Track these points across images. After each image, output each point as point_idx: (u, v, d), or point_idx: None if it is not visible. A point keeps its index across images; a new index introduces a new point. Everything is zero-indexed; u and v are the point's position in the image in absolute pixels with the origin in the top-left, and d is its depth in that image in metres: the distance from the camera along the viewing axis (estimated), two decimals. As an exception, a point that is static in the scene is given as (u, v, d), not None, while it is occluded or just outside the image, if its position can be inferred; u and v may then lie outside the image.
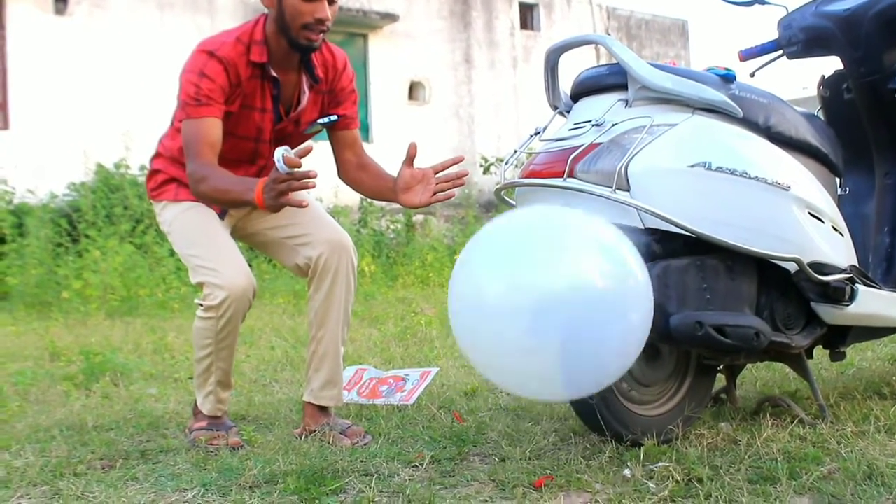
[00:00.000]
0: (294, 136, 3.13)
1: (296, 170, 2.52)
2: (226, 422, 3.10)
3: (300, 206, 2.64)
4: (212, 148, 2.85)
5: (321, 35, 2.90)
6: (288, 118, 3.07)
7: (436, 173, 2.93)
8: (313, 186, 2.59)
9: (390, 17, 14.45)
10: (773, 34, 3.52)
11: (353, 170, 3.19)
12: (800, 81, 12.05)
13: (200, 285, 2.94)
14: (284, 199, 2.57)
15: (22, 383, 4.32)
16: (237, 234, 3.20)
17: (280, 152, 2.52)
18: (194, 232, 3.02)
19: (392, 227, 12.14)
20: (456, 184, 2.93)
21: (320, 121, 3.11)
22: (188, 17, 12.99)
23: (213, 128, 2.86)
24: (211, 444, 2.94)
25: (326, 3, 2.85)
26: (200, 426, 3.06)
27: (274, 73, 2.96)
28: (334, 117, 3.11)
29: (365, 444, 2.94)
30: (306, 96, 3.06)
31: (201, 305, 2.92)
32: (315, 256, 3.05)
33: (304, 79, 3.04)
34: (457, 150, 15.30)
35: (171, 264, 9.12)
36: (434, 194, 2.92)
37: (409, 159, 2.91)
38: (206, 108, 2.85)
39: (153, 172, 3.16)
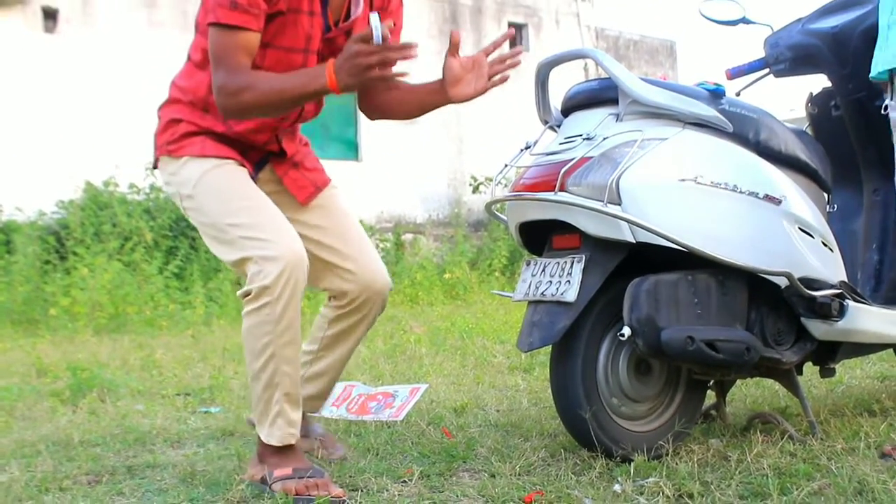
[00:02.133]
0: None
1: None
2: (312, 465, 2.54)
3: (395, 78, 2.36)
4: (249, 57, 2.42)
5: None
6: (338, 28, 2.60)
7: (487, 56, 2.58)
8: (414, 56, 2.29)
9: (380, 37, 14.42)
10: (760, 54, 3.53)
11: (381, 93, 2.74)
12: (786, 103, 12.09)
13: (243, 264, 2.45)
14: (372, 74, 2.27)
15: (7, 399, 4.30)
16: None
17: (376, 17, 2.23)
18: (230, 194, 2.52)
19: (381, 245, 12.13)
20: (512, 63, 2.56)
21: (374, 26, 2.28)
22: (178, 35, 12.96)
23: (250, 39, 2.41)
24: (309, 495, 2.39)
25: None
26: (284, 474, 2.45)
27: None
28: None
29: (340, 457, 2.86)
30: (360, 6, 2.59)
31: (248, 294, 2.41)
32: (352, 296, 2.79)
33: (374, 9, 2.61)
34: (446, 168, 15.32)
35: (159, 282, 9.12)
36: (489, 79, 2.58)
37: (454, 47, 2.52)
38: (243, 16, 2.38)
39: (170, 123, 2.65)
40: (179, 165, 2.59)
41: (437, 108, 2.68)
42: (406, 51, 2.29)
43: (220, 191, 2.53)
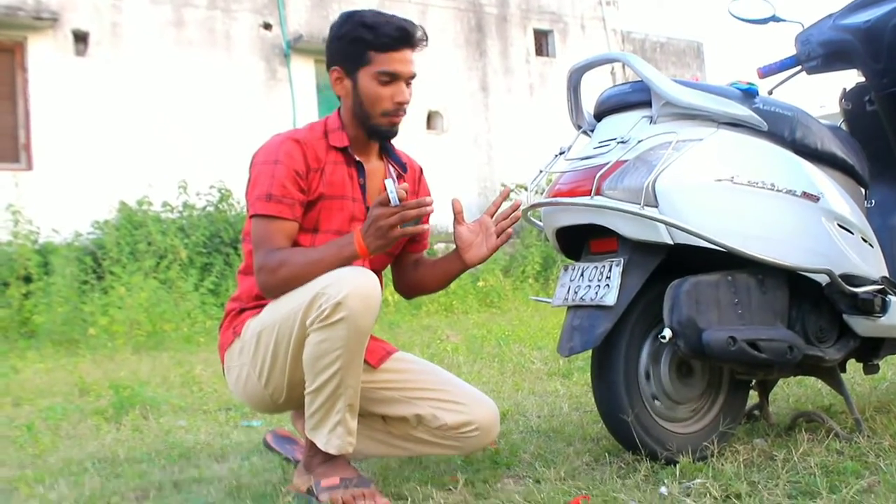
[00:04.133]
0: None
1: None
2: (359, 474, 2.55)
3: (417, 232, 2.50)
4: (287, 241, 2.55)
5: (402, 118, 2.67)
6: None
7: (490, 216, 2.76)
8: (431, 212, 2.43)
9: (406, 48, 14.46)
10: (790, 51, 3.51)
11: (410, 272, 2.91)
12: (817, 100, 12.00)
13: (312, 305, 2.39)
14: (395, 234, 2.40)
15: (53, 418, 4.34)
16: None
17: (391, 182, 2.37)
18: (283, 304, 2.52)
19: (414, 255, 12.12)
20: (514, 218, 2.74)
21: (389, 190, 2.41)
22: (206, 53, 13.09)
23: (286, 227, 2.55)
24: None
25: (405, 85, 2.61)
26: (332, 484, 2.46)
27: (358, 158, 2.70)
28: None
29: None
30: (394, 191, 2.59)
31: (320, 316, 2.37)
32: (470, 426, 2.70)
33: (389, 168, 2.80)
34: (476, 177, 15.32)
35: (195, 299, 9.19)
36: (497, 237, 2.73)
37: (458, 216, 2.72)
38: (278, 206, 2.53)
39: (231, 318, 2.74)
40: (243, 331, 2.63)
41: (459, 274, 2.84)
42: (423, 207, 2.40)
43: (273, 308, 2.56)
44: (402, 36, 2.58)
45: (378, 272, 2.73)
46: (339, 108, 2.72)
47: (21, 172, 11.52)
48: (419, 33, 2.61)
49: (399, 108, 2.62)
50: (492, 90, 16.06)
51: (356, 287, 2.36)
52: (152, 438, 3.82)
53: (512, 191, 13.99)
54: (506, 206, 2.83)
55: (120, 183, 11.46)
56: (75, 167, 11.68)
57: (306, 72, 13.98)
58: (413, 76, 2.62)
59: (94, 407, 4.68)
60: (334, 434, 2.46)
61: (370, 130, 2.66)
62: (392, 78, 2.58)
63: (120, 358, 7.21)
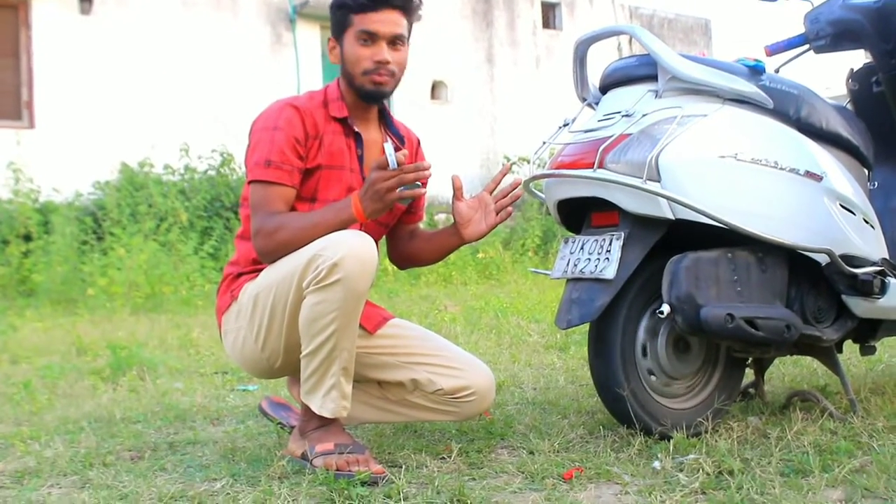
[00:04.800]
0: None
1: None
2: (354, 440, 2.55)
3: (415, 196, 2.49)
4: (285, 206, 2.57)
5: (387, 78, 2.62)
6: None
7: (490, 193, 2.76)
8: (429, 176, 2.43)
9: (413, 17, 14.40)
10: (797, 30, 3.49)
11: (405, 243, 2.93)
12: (823, 81, 11.95)
13: (309, 266, 2.39)
14: (392, 196, 2.41)
15: (50, 377, 4.36)
16: None
17: (390, 145, 2.39)
18: (279, 267, 2.53)
19: (414, 225, 12.13)
20: (514, 196, 2.74)
21: (388, 153, 2.43)
22: (212, 15, 13.03)
23: (285, 193, 2.56)
24: (350, 471, 2.39)
25: (385, 45, 2.59)
26: (326, 449, 2.47)
27: (356, 129, 2.70)
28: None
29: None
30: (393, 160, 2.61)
31: (316, 278, 2.36)
32: (468, 390, 2.71)
33: (387, 139, 2.78)
34: (479, 149, 15.30)
35: (194, 262, 9.20)
36: (497, 214, 2.74)
37: (458, 192, 2.72)
38: (276, 171, 2.55)
39: (225, 279, 2.76)
40: (240, 295, 2.64)
41: (456, 249, 2.85)
42: (421, 171, 2.41)
43: (271, 271, 2.56)
44: None
45: (375, 243, 2.71)
46: (337, 78, 2.73)
47: (23, 130, 11.50)
48: None
49: (379, 67, 2.60)
50: (497, 62, 16.01)
51: (352, 249, 2.35)
52: (148, 399, 3.83)
53: (514, 164, 13.96)
54: (507, 181, 2.83)
55: (122, 144, 11.45)
56: (77, 127, 11.65)
57: (312, 37, 13.93)
58: (396, 36, 2.61)
59: (91, 367, 4.70)
60: (329, 398, 2.46)
61: (358, 92, 2.66)
62: (370, 37, 2.59)
63: (118, 319, 7.23)
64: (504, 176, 2.78)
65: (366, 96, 2.66)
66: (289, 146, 2.56)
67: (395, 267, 3.07)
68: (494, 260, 11.28)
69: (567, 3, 17.08)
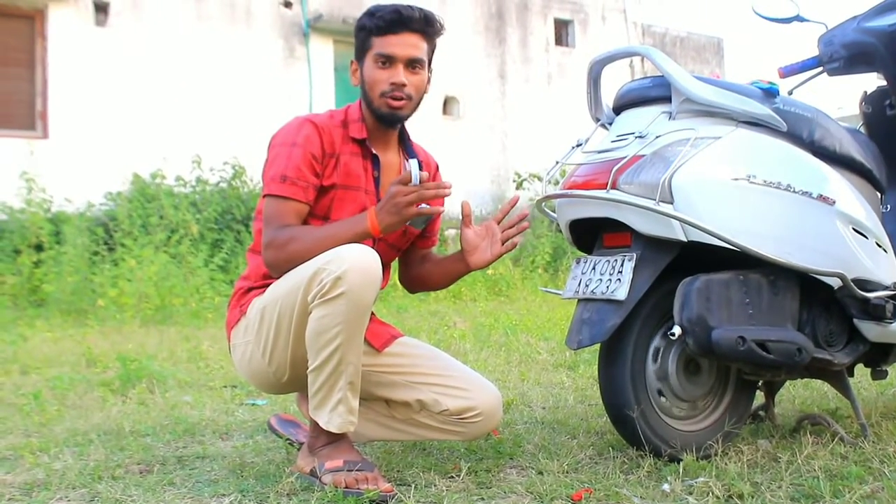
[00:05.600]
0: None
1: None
2: (363, 457, 2.55)
3: (433, 214, 2.54)
4: (297, 221, 2.57)
5: (404, 101, 2.64)
6: None
7: (497, 223, 2.77)
8: (448, 195, 2.46)
9: (425, 32, 14.43)
10: (810, 52, 3.50)
11: (417, 267, 2.94)
12: (835, 101, 11.95)
13: (313, 280, 2.39)
14: (411, 211, 2.42)
15: (59, 388, 4.37)
16: None
17: (415, 162, 2.41)
18: (285, 281, 2.53)
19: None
20: (521, 227, 2.75)
21: (412, 169, 2.49)
22: (226, 28, 13.09)
23: (299, 208, 2.57)
24: (359, 489, 2.38)
25: (402, 67, 2.61)
26: (335, 466, 2.47)
27: (374, 151, 2.71)
28: (439, 209, 2.64)
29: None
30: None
31: (321, 292, 2.36)
32: (473, 411, 2.69)
33: (405, 161, 2.80)
34: (490, 164, 15.30)
35: (204, 275, 9.21)
36: (503, 244, 2.74)
37: (467, 219, 2.72)
38: (292, 187, 2.55)
39: (239, 296, 2.76)
40: (249, 310, 2.66)
41: (463, 275, 2.86)
42: (442, 189, 2.44)
43: (277, 287, 2.57)
44: (397, 19, 2.60)
45: (386, 266, 2.75)
46: (359, 100, 2.74)
47: (36, 140, 11.55)
48: (417, 15, 2.62)
49: (395, 89, 2.62)
50: (510, 78, 16.03)
51: (356, 262, 2.35)
52: (157, 412, 3.83)
53: (524, 180, 13.96)
54: (514, 214, 2.80)
55: (134, 155, 11.49)
56: (90, 138, 11.70)
57: (325, 51, 13.97)
58: (413, 59, 2.63)
59: (100, 378, 4.70)
60: (335, 412, 2.46)
61: (375, 115, 2.67)
62: (388, 60, 2.61)
63: (128, 330, 7.24)
64: (512, 206, 2.80)
65: (382, 119, 2.67)
66: (305, 163, 2.57)
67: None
68: (504, 277, 11.28)
69: (580, 20, 17.11)
